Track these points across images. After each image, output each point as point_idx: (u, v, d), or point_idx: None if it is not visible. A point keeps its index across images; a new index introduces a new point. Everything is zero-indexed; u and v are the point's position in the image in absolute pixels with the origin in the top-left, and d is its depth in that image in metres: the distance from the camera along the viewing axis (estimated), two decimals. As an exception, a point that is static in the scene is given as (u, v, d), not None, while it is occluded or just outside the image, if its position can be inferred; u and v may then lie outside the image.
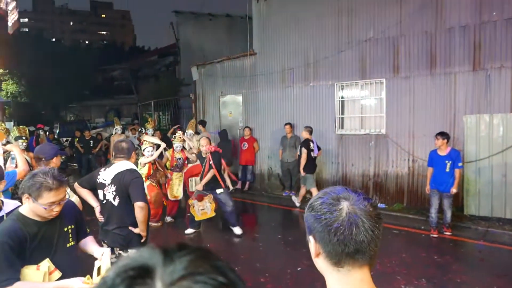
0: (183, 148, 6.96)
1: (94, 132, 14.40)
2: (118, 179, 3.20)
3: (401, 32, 7.18)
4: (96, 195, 3.40)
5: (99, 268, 1.95)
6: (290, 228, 6.78)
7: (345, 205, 0.92)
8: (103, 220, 3.35)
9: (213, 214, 6.12)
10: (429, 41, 6.89)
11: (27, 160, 5.31)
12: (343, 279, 0.93)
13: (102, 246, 3.51)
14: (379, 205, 7.51)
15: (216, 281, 0.46)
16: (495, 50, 6.28)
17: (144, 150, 6.08)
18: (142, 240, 3.31)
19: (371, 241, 0.91)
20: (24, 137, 5.70)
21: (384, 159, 7.56)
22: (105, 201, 3.29)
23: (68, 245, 2.10)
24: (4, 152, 4.22)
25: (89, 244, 2.27)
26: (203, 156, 6.01)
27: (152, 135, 9.33)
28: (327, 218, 0.92)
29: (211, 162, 5.78)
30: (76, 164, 12.67)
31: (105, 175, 3.28)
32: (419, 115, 7.09)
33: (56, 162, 3.10)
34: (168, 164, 6.72)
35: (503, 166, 6.15)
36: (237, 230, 6.01)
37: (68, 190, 2.92)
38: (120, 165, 3.26)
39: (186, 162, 6.96)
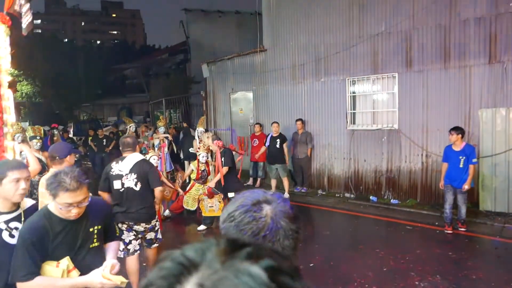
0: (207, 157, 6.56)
1: (105, 129, 14.62)
2: (137, 168, 3.75)
3: (414, 25, 7.06)
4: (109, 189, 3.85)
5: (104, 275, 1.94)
6: (302, 223, 6.75)
7: (268, 211, 0.89)
8: (123, 207, 3.78)
9: (220, 213, 6.09)
10: (443, 34, 6.75)
11: (42, 160, 5.42)
12: None
13: (123, 229, 3.78)
14: (392, 201, 7.44)
15: None
16: (511, 42, 6.12)
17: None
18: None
19: (295, 244, 0.91)
20: (38, 137, 5.79)
21: (397, 154, 7.47)
22: (123, 189, 3.75)
23: (91, 245, 2.09)
24: (20, 153, 4.30)
25: (109, 251, 2.25)
26: (214, 152, 6.01)
27: (164, 132, 9.45)
28: (253, 227, 0.88)
29: (222, 159, 5.78)
30: (89, 163, 12.87)
31: (121, 167, 3.78)
32: (433, 109, 6.97)
33: (69, 160, 3.14)
34: (193, 176, 6.55)
35: (521, 161, 6.01)
36: None
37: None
38: (133, 157, 3.80)
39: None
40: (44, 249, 1.91)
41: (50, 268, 1.93)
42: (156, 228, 4.06)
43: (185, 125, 11.33)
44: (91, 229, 2.08)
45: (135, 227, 3.85)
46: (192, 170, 6.57)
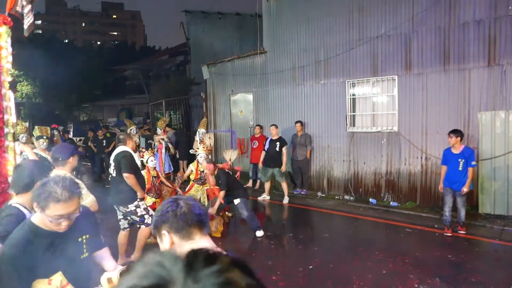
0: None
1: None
2: (115, 158, 4.58)
3: (413, 28, 7.08)
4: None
5: (109, 279, 1.83)
6: (302, 226, 6.76)
7: (181, 202, 1.43)
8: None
9: (219, 235, 5.85)
10: (443, 37, 6.78)
11: (48, 160, 5.43)
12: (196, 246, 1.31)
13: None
14: (391, 203, 7.45)
15: None
16: (511, 45, 6.15)
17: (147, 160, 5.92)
18: (139, 197, 4.58)
19: (207, 215, 1.45)
20: (45, 137, 5.84)
21: (396, 157, 7.48)
22: (110, 175, 4.69)
23: (82, 256, 1.93)
24: (21, 153, 4.30)
25: (105, 259, 2.14)
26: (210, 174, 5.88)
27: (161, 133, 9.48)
28: (174, 210, 1.39)
29: (220, 181, 5.74)
30: (89, 164, 12.86)
31: (111, 157, 4.70)
32: (432, 112, 6.99)
33: (73, 162, 3.14)
34: (192, 176, 6.55)
35: (520, 164, 6.02)
36: (258, 233, 5.86)
37: (85, 190, 2.96)
38: (118, 149, 4.62)
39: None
40: (32, 266, 1.71)
41: (42, 286, 1.76)
42: (139, 214, 4.58)
43: (168, 129, 11.31)
44: (79, 239, 1.93)
45: (120, 208, 4.62)
46: (192, 170, 6.58)
